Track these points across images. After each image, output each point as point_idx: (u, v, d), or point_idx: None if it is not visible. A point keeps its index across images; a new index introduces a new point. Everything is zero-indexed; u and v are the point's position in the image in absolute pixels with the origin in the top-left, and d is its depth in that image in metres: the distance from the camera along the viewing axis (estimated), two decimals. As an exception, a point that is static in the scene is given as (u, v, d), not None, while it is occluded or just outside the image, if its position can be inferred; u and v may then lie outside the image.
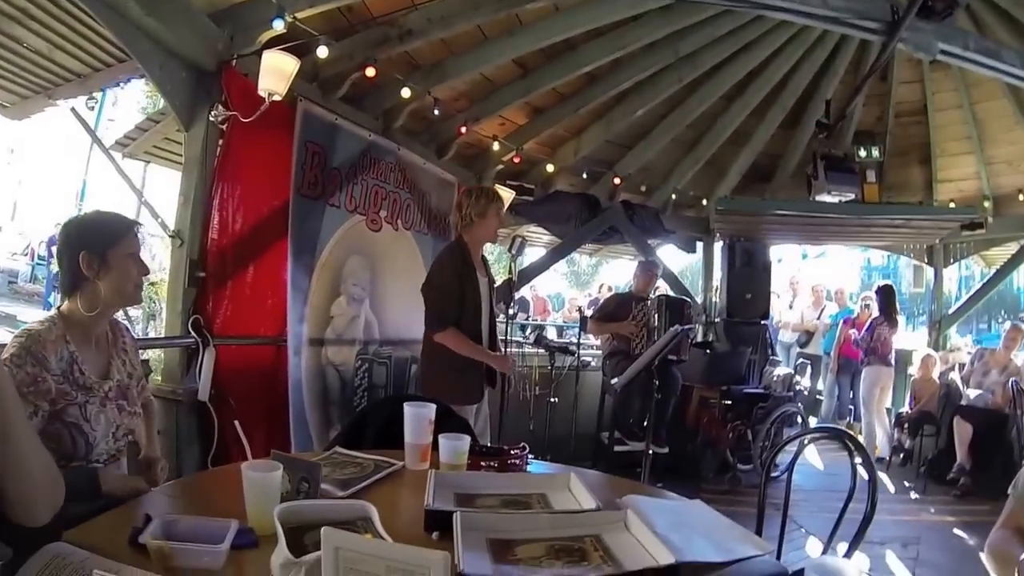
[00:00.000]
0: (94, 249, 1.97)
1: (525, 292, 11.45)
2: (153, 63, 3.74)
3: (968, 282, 18.03)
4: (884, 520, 4.97)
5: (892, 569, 4.37)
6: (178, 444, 3.89)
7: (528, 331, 9.31)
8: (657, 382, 4.64)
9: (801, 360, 9.08)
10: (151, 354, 4.62)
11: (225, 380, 3.98)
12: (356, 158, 5.05)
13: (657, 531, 1.57)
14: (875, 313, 8.03)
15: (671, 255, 10.16)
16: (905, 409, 7.52)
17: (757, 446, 6.42)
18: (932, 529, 5.15)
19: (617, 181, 7.98)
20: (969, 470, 6.24)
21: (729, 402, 6.52)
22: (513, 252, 4.32)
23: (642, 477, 4.55)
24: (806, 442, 3.02)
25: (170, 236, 4.01)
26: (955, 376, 7.11)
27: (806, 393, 8.25)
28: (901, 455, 7.43)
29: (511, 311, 5.29)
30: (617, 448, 5.73)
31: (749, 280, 7.96)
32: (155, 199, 4.53)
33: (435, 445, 2.19)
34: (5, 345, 1.88)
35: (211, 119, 3.91)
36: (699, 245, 9.33)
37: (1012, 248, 8.76)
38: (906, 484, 6.64)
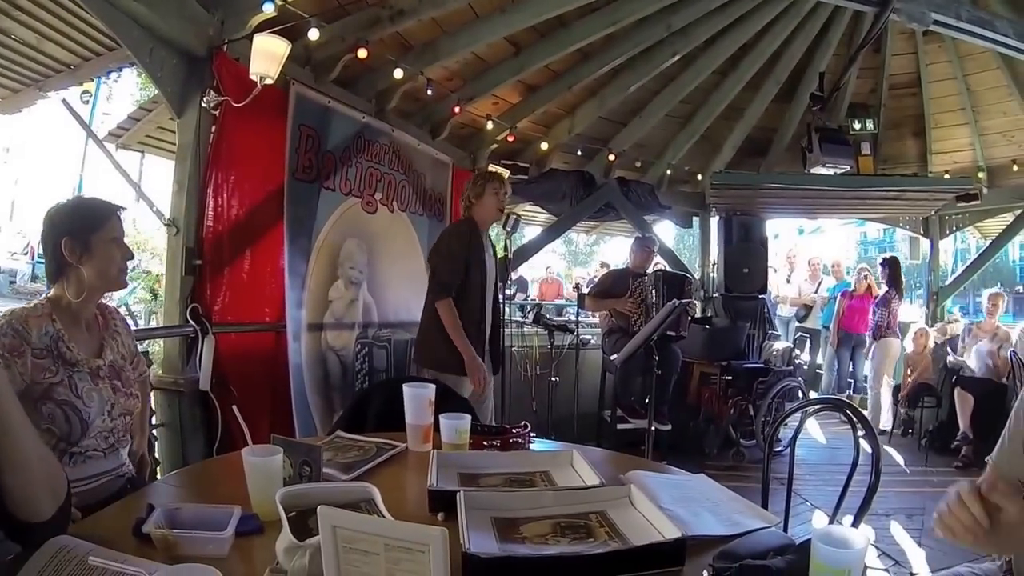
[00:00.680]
0: (76, 235, 1.97)
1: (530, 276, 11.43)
2: (143, 50, 3.69)
3: (964, 254, 18.08)
4: (887, 492, 4.99)
5: (897, 540, 4.40)
6: (182, 435, 3.88)
7: (527, 310, 9.30)
8: (657, 358, 4.64)
9: (800, 334, 9.10)
10: (151, 346, 4.62)
11: (226, 368, 3.96)
12: (350, 141, 5.02)
13: (662, 506, 1.57)
14: (883, 285, 8.04)
15: (667, 230, 10.18)
16: (900, 381, 7.55)
17: (759, 421, 6.44)
18: (936, 500, 5.15)
19: (612, 158, 7.94)
20: (971, 439, 6.27)
21: (730, 377, 6.54)
22: (508, 231, 4.32)
23: (646, 454, 4.56)
24: (809, 412, 3.03)
25: (166, 225, 3.98)
26: (955, 357, 7.13)
27: (806, 367, 8.27)
28: (900, 427, 7.47)
29: (508, 291, 5.29)
30: (620, 426, 5.74)
31: (746, 254, 7.96)
32: (152, 189, 4.51)
33: (437, 426, 2.19)
34: None
35: (203, 105, 3.87)
36: (695, 220, 9.32)
37: (1007, 219, 8.77)
38: (908, 456, 6.67)
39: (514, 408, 4.76)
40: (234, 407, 1.83)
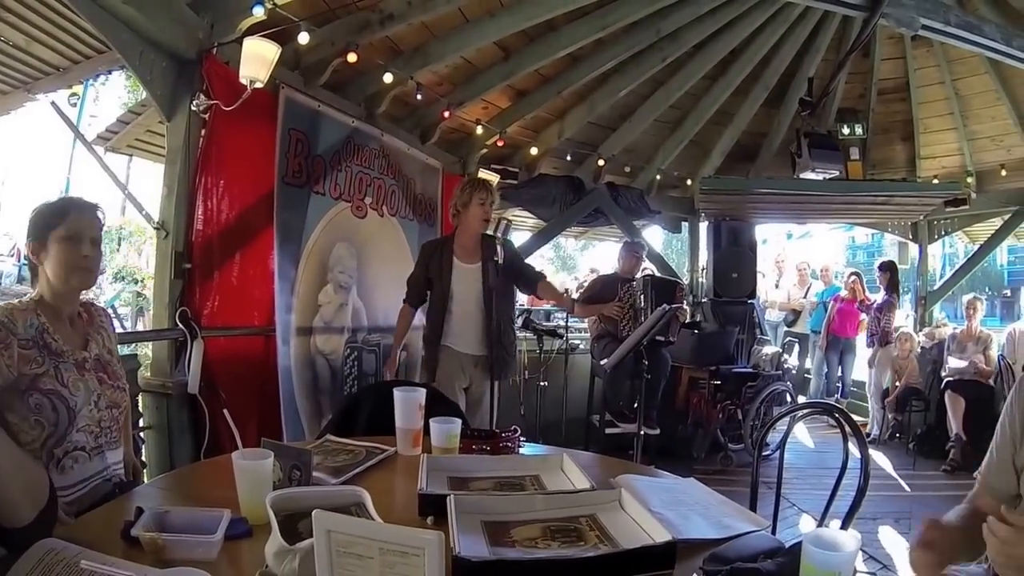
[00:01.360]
0: (36, 236, 2.00)
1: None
2: (133, 53, 3.68)
3: (952, 259, 18.17)
4: (875, 496, 5.01)
5: (884, 544, 4.41)
6: (170, 438, 3.86)
7: (516, 315, 9.30)
8: (646, 363, 4.65)
9: (788, 339, 9.13)
10: (140, 348, 4.60)
11: (215, 372, 3.94)
12: (340, 145, 5.01)
13: (652, 509, 1.57)
14: (881, 290, 8.06)
15: (656, 236, 10.20)
16: (888, 386, 7.59)
17: (747, 425, 6.45)
18: (924, 503, 5.20)
19: (601, 163, 7.98)
20: (965, 440, 6.32)
21: (718, 382, 6.56)
22: (498, 235, 4.35)
23: (634, 459, 4.56)
24: (798, 417, 3.04)
25: (155, 228, 3.97)
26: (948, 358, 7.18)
27: (794, 371, 8.29)
28: (890, 431, 7.50)
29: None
30: (608, 431, 5.73)
31: (735, 259, 8.00)
32: (140, 192, 4.49)
33: (427, 430, 2.19)
34: None
35: (193, 109, 3.86)
36: (684, 225, 9.36)
37: (995, 223, 8.83)
38: (896, 460, 6.70)
39: (503, 412, 4.74)
40: (225, 411, 1.82)
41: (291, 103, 4.52)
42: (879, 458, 6.63)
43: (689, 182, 8.67)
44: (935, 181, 8.21)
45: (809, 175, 7.28)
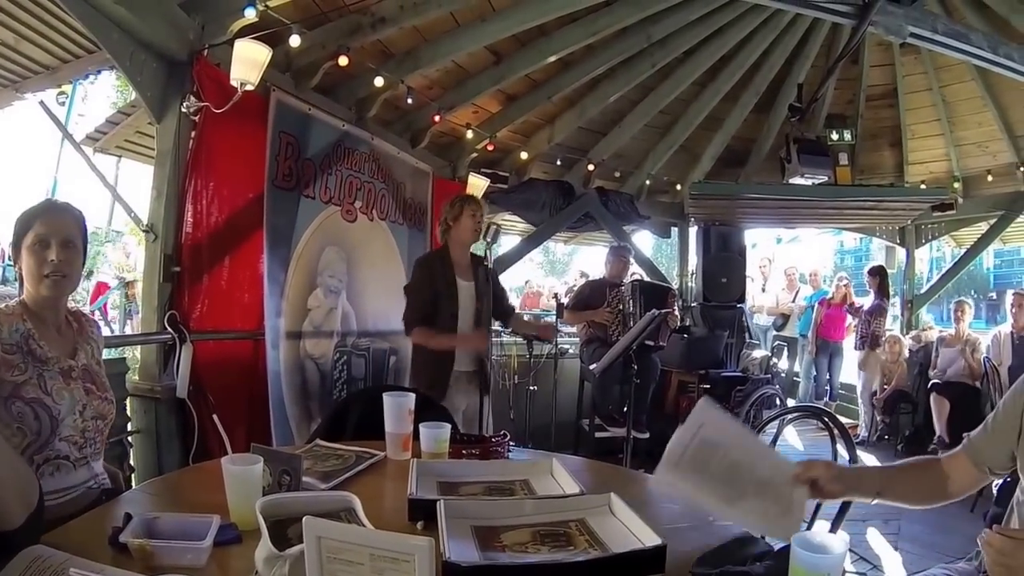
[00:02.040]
0: (13, 244, 1.99)
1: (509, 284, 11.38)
2: (123, 54, 3.66)
3: (939, 262, 18.30)
4: (864, 497, 5.03)
5: (873, 545, 4.44)
6: (158, 443, 3.84)
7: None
8: (635, 367, 4.65)
9: (778, 343, 9.16)
10: (128, 352, 4.57)
11: (203, 376, 3.93)
12: (330, 148, 5.01)
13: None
14: (871, 294, 8.15)
15: (646, 240, 10.23)
16: (878, 389, 7.63)
17: (737, 429, 6.45)
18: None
19: (591, 168, 8.00)
20: (948, 443, 6.36)
21: (708, 386, 6.56)
22: (488, 240, 4.34)
23: (624, 463, 4.57)
24: (787, 420, 3.05)
25: (143, 231, 3.95)
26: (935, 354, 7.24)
27: (783, 375, 8.33)
28: (879, 433, 7.54)
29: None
30: (598, 435, 5.74)
31: (724, 264, 8.03)
32: (129, 194, 4.47)
33: (416, 435, 2.18)
34: None
35: (183, 110, 3.84)
36: (674, 230, 9.38)
37: (982, 228, 8.92)
38: (885, 461, 6.71)
39: (492, 417, 4.75)
40: (215, 416, 1.81)
41: (282, 106, 4.51)
42: (868, 459, 6.66)
43: (679, 187, 8.70)
44: (922, 186, 8.29)
45: (798, 180, 7.32)
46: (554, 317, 6.27)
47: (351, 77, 5.27)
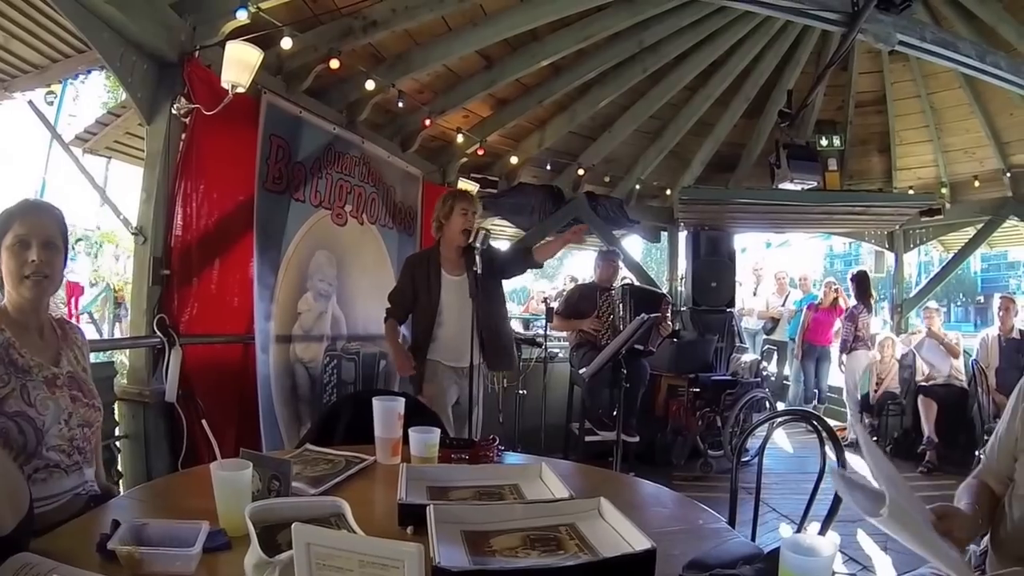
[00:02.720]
0: None
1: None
2: (113, 54, 3.64)
3: (927, 267, 18.43)
4: (855, 499, 5.05)
5: (863, 546, 4.45)
6: (147, 448, 3.81)
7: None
8: (625, 372, 4.66)
9: (767, 346, 9.19)
10: (116, 356, 4.55)
11: (193, 380, 3.90)
12: (321, 152, 5.00)
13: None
14: (851, 300, 8.20)
15: (635, 245, 10.25)
16: (869, 391, 7.66)
17: (727, 432, 6.48)
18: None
19: (581, 172, 8.01)
20: (936, 443, 6.44)
21: (697, 390, 6.59)
22: (478, 245, 4.32)
23: (614, 466, 4.57)
24: (777, 423, 3.06)
25: (133, 233, 3.93)
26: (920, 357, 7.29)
27: (773, 379, 8.35)
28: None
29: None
30: (588, 438, 5.74)
31: (714, 269, 8.05)
32: (118, 196, 4.44)
33: (406, 439, 2.18)
34: None
35: (173, 112, 3.82)
36: (663, 235, 9.41)
37: (969, 233, 9.01)
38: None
39: (482, 421, 4.75)
40: (204, 422, 1.81)
41: (272, 109, 4.51)
42: (858, 462, 6.69)
43: (668, 192, 8.74)
44: (911, 192, 8.38)
45: (788, 185, 7.35)
46: (543, 322, 6.28)
47: (342, 80, 5.27)
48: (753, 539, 2.29)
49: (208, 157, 4.02)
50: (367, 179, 5.54)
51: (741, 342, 8.26)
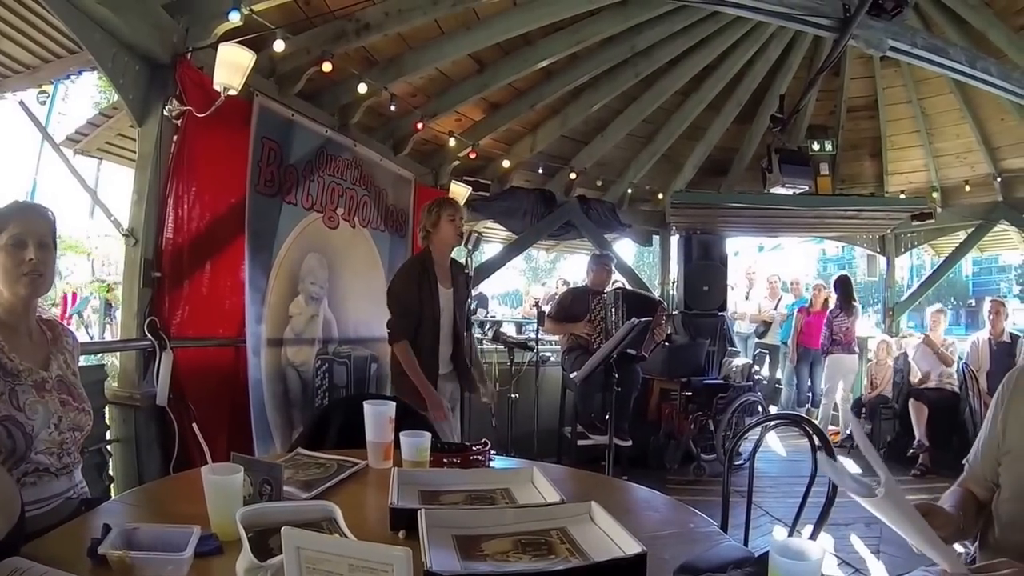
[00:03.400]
0: None
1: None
2: (105, 55, 3.62)
3: (919, 270, 18.52)
4: (847, 502, 5.04)
5: (856, 549, 4.47)
6: (138, 451, 3.79)
7: (486, 327, 9.30)
8: (617, 376, 4.66)
9: (759, 350, 9.21)
10: (106, 359, 4.52)
11: (184, 383, 3.88)
12: (312, 155, 4.99)
13: None
14: (831, 304, 8.24)
15: (627, 248, 10.27)
16: (863, 394, 7.69)
17: (719, 436, 6.49)
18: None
19: (573, 176, 8.02)
20: (928, 447, 6.48)
21: (690, 393, 6.60)
22: (469, 248, 4.32)
23: (606, 470, 4.58)
24: (769, 427, 3.07)
25: (124, 235, 3.91)
26: (911, 362, 7.32)
27: (765, 382, 8.38)
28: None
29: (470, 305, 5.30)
30: (580, 442, 5.73)
31: (706, 272, 8.05)
32: (109, 197, 4.42)
33: (397, 443, 2.18)
34: None
35: (165, 114, 3.80)
36: (655, 239, 9.43)
37: (960, 236, 9.06)
38: (867, 466, 6.76)
39: (474, 425, 4.74)
40: (194, 425, 1.80)
41: (265, 111, 4.50)
42: (850, 466, 6.71)
43: (660, 196, 8.75)
44: (902, 196, 8.41)
45: (779, 190, 7.37)
46: (535, 325, 6.29)
47: (335, 83, 5.26)
48: (745, 543, 2.30)
49: (200, 159, 4.00)
50: (359, 182, 5.54)
51: (733, 346, 8.28)
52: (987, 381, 6.50)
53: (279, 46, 4.34)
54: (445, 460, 2.20)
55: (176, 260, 3.91)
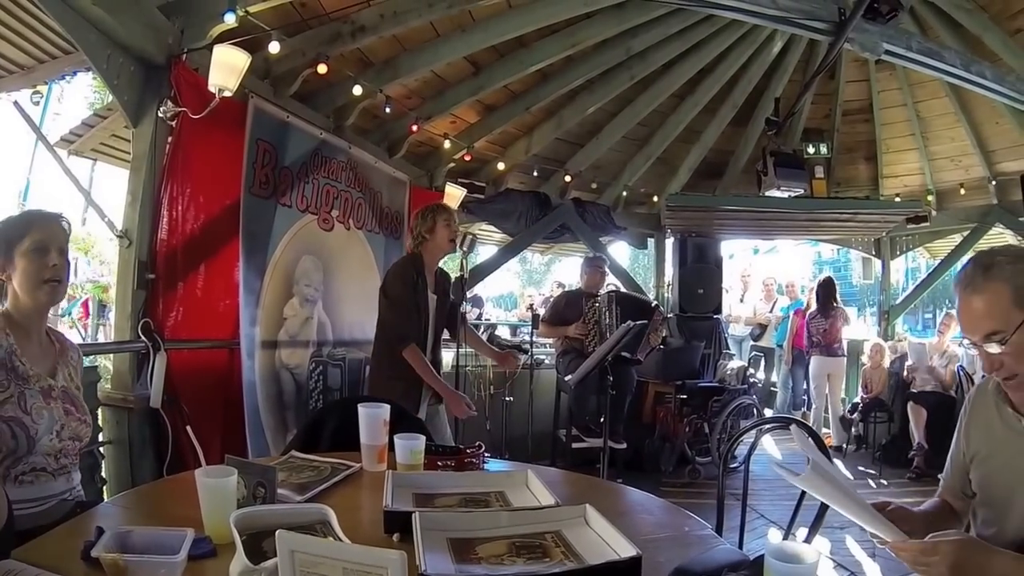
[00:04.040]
0: (2, 251, 1.97)
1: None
2: (100, 56, 3.61)
3: (914, 273, 18.50)
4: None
5: (852, 552, 4.47)
6: (131, 454, 3.78)
7: (481, 330, 9.30)
8: (611, 379, 4.65)
9: (755, 353, 9.22)
10: (100, 360, 4.51)
11: (178, 385, 3.87)
12: (307, 157, 4.99)
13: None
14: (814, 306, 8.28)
15: (622, 251, 10.28)
16: (858, 398, 7.69)
17: (714, 439, 6.50)
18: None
19: (568, 179, 8.03)
20: (926, 449, 6.50)
21: (685, 396, 6.59)
22: (464, 250, 4.30)
23: (601, 473, 4.57)
24: (764, 430, 3.07)
25: (118, 236, 3.90)
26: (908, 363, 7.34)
27: (760, 385, 8.38)
28: (854, 443, 7.61)
29: (464, 307, 5.28)
30: (575, 445, 5.73)
31: (701, 275, 8.06)
32: (103, 198, 4.40)
33: (391, 446, 2.17)
34: None
35: (160, 115, 3.80)
36: (650, 241, 9.43)
37: (955, 239, 9.09)
38: (861, 470, 6.80)
39: (468, 428, 4.75)
40: (188, 428, 1.79)
41: (260, 113, 4.49)
42: (845, 469, 6.72)
43: (655, 199, 8.76)
44: (897, 199, 8.45)
45: (775, 193, 7.38)
46: (530, 328, 6.28)
47: (330, 85, 5.26)
48: (740, 546, 2.30)
49: (194, 161, 4.00)
50: (354, 184, 5.53)
51: (727, 349, 8.29)
52: (983, 384, 6.51)
53: (274, 48, 4.34)
54: (439, 463, 2.20)
55: (170, 262, 3.91)
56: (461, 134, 6.82)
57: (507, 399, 5.63)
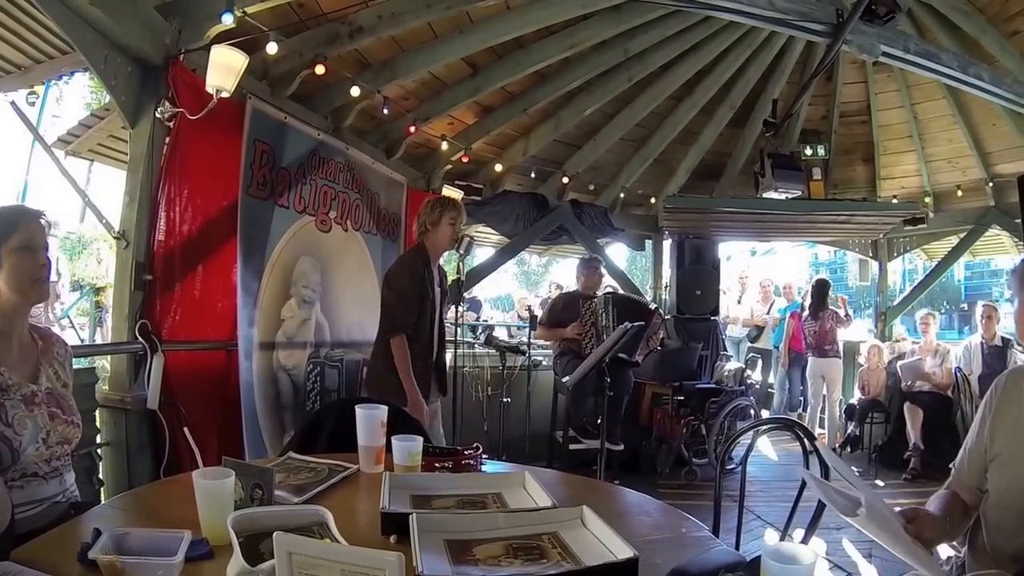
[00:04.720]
0: None
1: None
2: (97, 56, 3.61)
3: (911, 275, 18.53)
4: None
5: (848, 553, 4.47)
6: (128, 455, 3.77)
7: (478, 331, 9.29)
8: (609, 380, 4.65)
9: (752, 354, 9.23)
10: (98, 361, 4.50)
11: (175, 387, 3.87)
12: (305, 158, 4.98)
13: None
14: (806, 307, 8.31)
15: (620, 253, 10.28)
16: (855, 399, 7.70)
17: (711, 440, 6.50)
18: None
19: (566, 180, 8.04)
20: (922, 450, 6.51)
21: (682, 398, 6.60)
22: (461, 252, 4.29)
23: (598, 475, 4.57)
24: (761, 431, 3.07)
25: (115, 237, 3.89)
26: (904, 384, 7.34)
27: (757, 387, 8.39)
28: (850, 444, 7.61)
29: (461, 309, 5.27)
30: (572, 447, 5.73)
31: (698, 277, 8.08)
32: (100, 199, 4.40)
33: (389, 447, 2.17)
34: None
35: (157, 116, 3.80)
36: (648, 243, 9.44)
37: (952, 241, 9.12)
38: (857, 471, 6.79)
39: (466, 429, 4.74)
40: (185, 429, 1.79)
41: (257, 114, 4.49)
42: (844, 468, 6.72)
43: (653, 200, 8.77)
44: (894, 201, 8.47)
45: (772, 194, 7.40)
46: (527, 330, 6.28)
47: (327, 86, 5.27)
48: (737, 547, 2.30)
49: (192, 161, 4.00)
50: (351, 185, 5.53)
51: (724, 350, 8.29)
52: (979, 384, 6.53)
53: (272, 48, 4.34)
54: (437, 464, 2.19)
55: (168, 263, 3.90)
56: (459, 135, 6.83)
57: (504, 400, 5.61)
